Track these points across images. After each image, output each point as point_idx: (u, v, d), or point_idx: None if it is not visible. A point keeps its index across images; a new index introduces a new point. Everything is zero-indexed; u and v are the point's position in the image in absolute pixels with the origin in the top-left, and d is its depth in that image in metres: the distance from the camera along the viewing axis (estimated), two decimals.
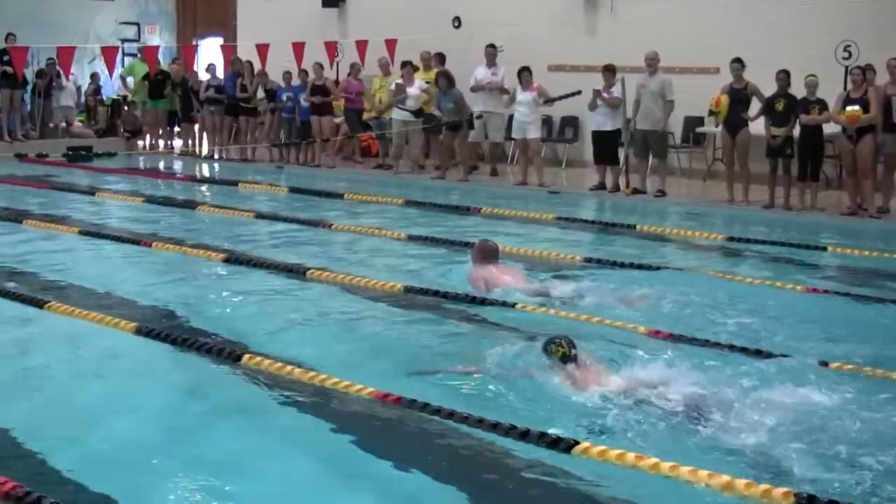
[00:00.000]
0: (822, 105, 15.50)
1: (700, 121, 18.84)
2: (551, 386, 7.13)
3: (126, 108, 25.25)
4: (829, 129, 15.93)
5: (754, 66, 16.34)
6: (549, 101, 18.62)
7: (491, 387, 7.31)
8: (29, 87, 23.94)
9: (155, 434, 6.64)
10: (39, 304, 9.58)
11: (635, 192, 17.20)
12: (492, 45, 19.53)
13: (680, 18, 19.41)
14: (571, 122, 20.89)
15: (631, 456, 5.91)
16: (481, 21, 21.49)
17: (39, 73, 24.05)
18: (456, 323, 9.25)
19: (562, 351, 7.22)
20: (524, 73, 18.34)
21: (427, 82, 19.98)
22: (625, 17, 20.18)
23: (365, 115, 22.02)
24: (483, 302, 9.62)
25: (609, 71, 17.40)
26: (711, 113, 16.56)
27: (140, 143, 24.96)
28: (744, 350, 8.04)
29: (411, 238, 13.24)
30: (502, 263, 10.46)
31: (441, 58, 20.67)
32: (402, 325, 9.25)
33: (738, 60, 16.09)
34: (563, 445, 6.08)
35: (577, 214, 15.64)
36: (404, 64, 20.21)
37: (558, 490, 5.92)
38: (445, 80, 19.32)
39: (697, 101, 17.63)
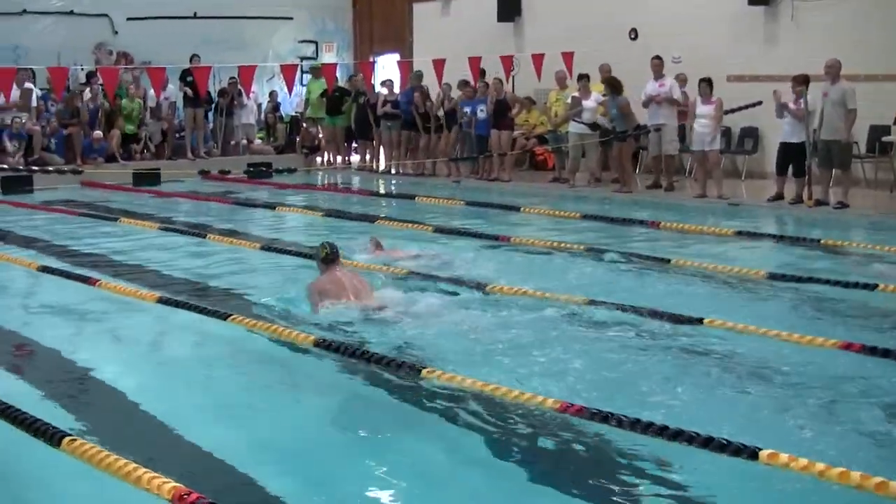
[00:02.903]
0: None
1: (886, 130, 18.28)
2: None
3: (304, 124, 25.68)
4: None
5: None
6: (730, 112, 18.30)
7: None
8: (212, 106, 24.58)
9: (340, 448, 6.76)
10: (223, 317, 9.78)
11: (818, 203, 16.77)
12: (657, 57, 19.32)
13: (864, 24, 18.83)
14: (751, 133, 20.50)
15: None
16: (658, 32, 21.27)
17: (221, 92, 24.64)
18: (637, 334, 9.13)
19: (325, 252, 9.65)
20: (703, 85, 18.05)
21: (604, 95, 19.83)
22: (806, 25, 19.69)
23: (540, 129, 22.00)
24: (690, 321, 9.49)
25: (798, 81, 16.94)
26: None
27: (318, 159, 25.34)
28: None
29: (589, 251, 13.14)
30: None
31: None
32: (585, 337, 9.17)
33: None
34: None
35: (758, 227, 15.32)
36: (581, 77, 20.09)
37: None
38: (610, 87, 19.16)
39: (883, 109, 17.11)
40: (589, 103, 19.62)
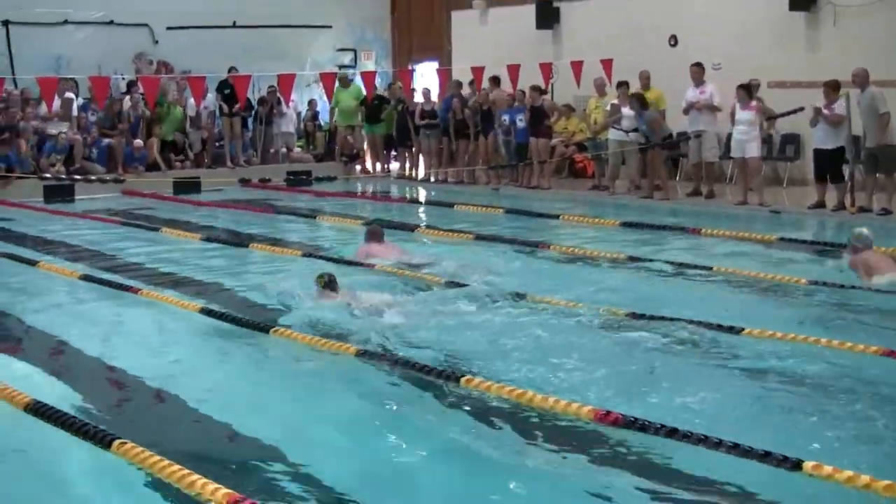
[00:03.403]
0: None
1: None
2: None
3: (343, 133, 25.67)
4: None
5: None
6: (771, 118, 18.19)
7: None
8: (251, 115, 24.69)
9: (384, 453, 6.83)
10: (265, 329, 9.80)
11: (860, 210, 16.64)
12: (697, 64, 19.24)
13: None
14: (793, 140, 20.34)
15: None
16: (698, 39, 21.18)
17: (261, 101, 24.72)
18: (675, 343, 9.09)
19: (323, 281, 10.57)
20: (742, 91, 17.94)
21: (631, 109, 19.71)
22: (848, 30, 19.49)
23: (579, 136, 21.95)
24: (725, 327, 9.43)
25: (830, 87, 16.86)
26: None
27: (357, 167, 25.38)
28: None
29: (630, 259, 13.09)
30: (385, 243, 13.29)
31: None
32: (622, 345, 9.14)
33: None
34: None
35: (800, 234, 15.22)
36: (620, 84, 20.01)
37: None
38: (638, 104, 19.08)
39: None
40: (628, 111, 19.53)
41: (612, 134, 19.92)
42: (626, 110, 19.53)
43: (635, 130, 19.51)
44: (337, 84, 24.47)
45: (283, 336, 9.50)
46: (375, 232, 13.65)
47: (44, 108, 21.60)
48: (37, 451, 6.97)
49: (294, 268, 12.77)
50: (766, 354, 8.61)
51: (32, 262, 13.57)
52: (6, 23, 23.81)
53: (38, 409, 7.29)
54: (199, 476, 5.84)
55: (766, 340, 8.93)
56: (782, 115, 18.21)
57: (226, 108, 23.58)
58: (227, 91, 23.39)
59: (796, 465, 5.93)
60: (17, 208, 19.52)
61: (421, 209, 20.32)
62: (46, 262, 13.63)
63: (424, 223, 17.34)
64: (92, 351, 9.55)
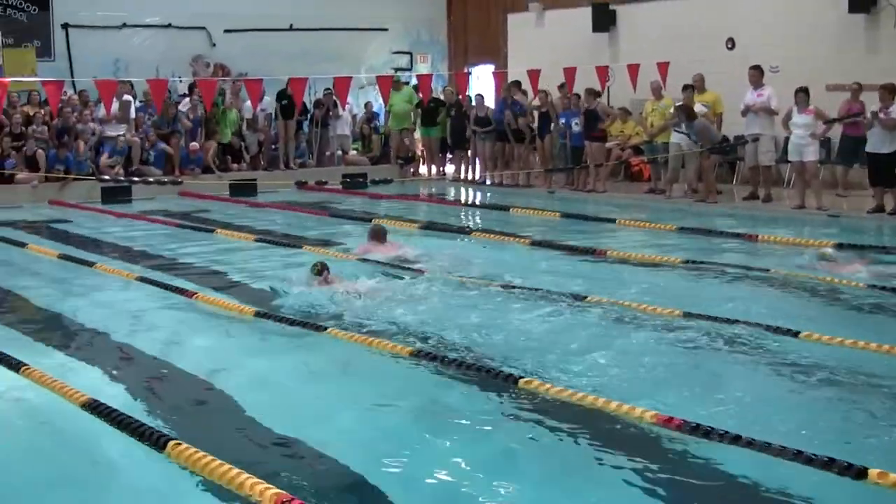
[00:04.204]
0: None
1: None
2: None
3: (400, 135, 25.68)
4: None
5: None
6: (829, 122, 18.03)
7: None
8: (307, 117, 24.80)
9: (439, 456, 6.80)
10: (319, 329, 9.83)
11: None
12: (755, 67, 19.08)
13: None
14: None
15: None
16: (755, 42, 21.02)
17: (317, 104, 24.81)
18: (733, 347, 9.02)
19: (316, 269, 11.53)
20: (800, 94, 17.79)
21: (704, 105, 19.60)
22: None
23: (636, 140, 21.85)
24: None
25: (886, 90, 16.68)
26: None
27: (413, 169, 25.42)
28: None
29: (686, 263, 13.00)
30: (388, 242, 13.89)
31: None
32: (682, 350, 9.08)
33: None
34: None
35: (858, 239, 15.03)
36: (685, 87, 19.81)
37: None
38: (684, 115, 18.93)
39: None
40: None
41: (675, 137, 19.77)
42: None
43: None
44: (393, 88, 24.57)
45: (338, 336, 9.54)
46: (377, 231, 14.16)
47: (102, 111, 21.78)
48: (93, 449, 7.01)
49: (346, 270, 12.80)
50: (823, 358, 8.51)
51: (90, 264, 13.68)
52: (65, 26, 24.05)
53: (96, 408, 7.35)
54: (249, 475, 5.86)
55: (824, 345, 8.83)
56: (840, 119, 18.03)
57: (281, 119, 23.88)
58: (284, 102, 23.63)
59: (861, 473, 5.85)
60: (74, 209, 19.72)
61: (476, 212, 20.30)
62: (103, 264, 13.74)
63: (480, 226, 17.32)
64: (146, 351, 9.61)
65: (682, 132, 19.44)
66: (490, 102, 24.17)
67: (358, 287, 11.44)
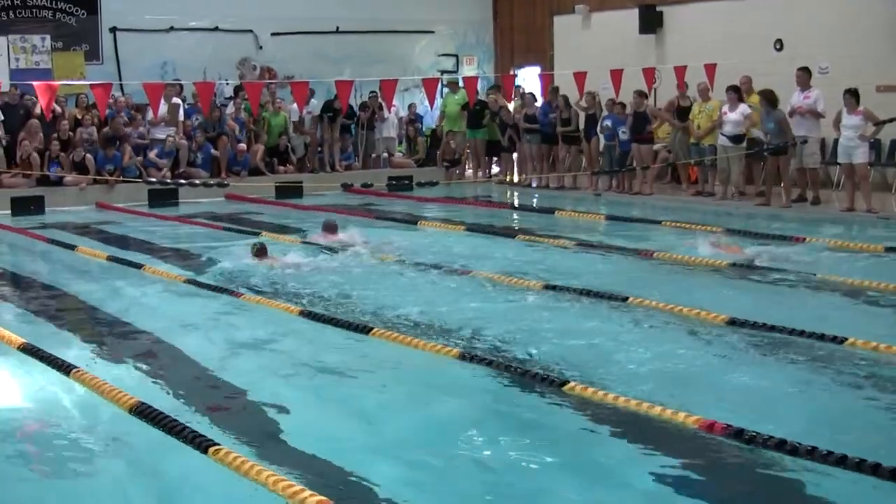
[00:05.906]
0: None
1: None
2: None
3: (445, 137, 25.68)
4: None
5: None
6: (879, 124, 17.86)
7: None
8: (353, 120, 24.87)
9: (483, 460, 6.78)
10: (365, 331, 9.84)
11: None
12: (803, 68, 18.93)
13: None
14: None
15: None
16: (804, 43, 20.88)
17: (363, 106, 24.87)
18: (780, 353, 8.95)
19: (256, 248, 13.56)
20: (848, 96, 17.64)
21: (750, 107, 19.45)
22: None
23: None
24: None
25: None
26: None
27: (458, 171, 25.40)
28: None
29: (733, 266, 12.91)
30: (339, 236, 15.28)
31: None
32: (727, 355, 9.01)
33: None
34: None
35: None
36: (729, 89, 19.67)
37: None
38: (766, 101, 18.79)
39: None
40: (733, 116, 19.23)
41: (721, 139, 19.64)
42: (732, 115, 19.23)
43: (739, 136, 19.24)
44: (446, 89, 24.55)
45: (385, 338, 9.57)
46: (330, 225, 15.67)
47: (150, 114, 21.91)
48: (140, 453, 7.05)
49: (395, 273, 12.80)
50: (871, 365, 8.43)
51: (137, 266, 13.78)
52: (113, 30, 24.24)
53: (143, 411, 7.40)
54: (292, 482, 5.87)
55: (870, 351, 8.76)
56: (890, 120, 17.87)
57: (328, 126, 24.14)
58: (330, 114, 23.90)
59: None
60: (121, 212, 19.85)
61: (522, 215, 20.25)
62: (151, 266, 13.82)
63: (524, 228, 17.30)
64: (192, 353, 9.64)
65: (724, 134, 19.25)
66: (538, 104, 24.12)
67: (291, 261, 13.44)
